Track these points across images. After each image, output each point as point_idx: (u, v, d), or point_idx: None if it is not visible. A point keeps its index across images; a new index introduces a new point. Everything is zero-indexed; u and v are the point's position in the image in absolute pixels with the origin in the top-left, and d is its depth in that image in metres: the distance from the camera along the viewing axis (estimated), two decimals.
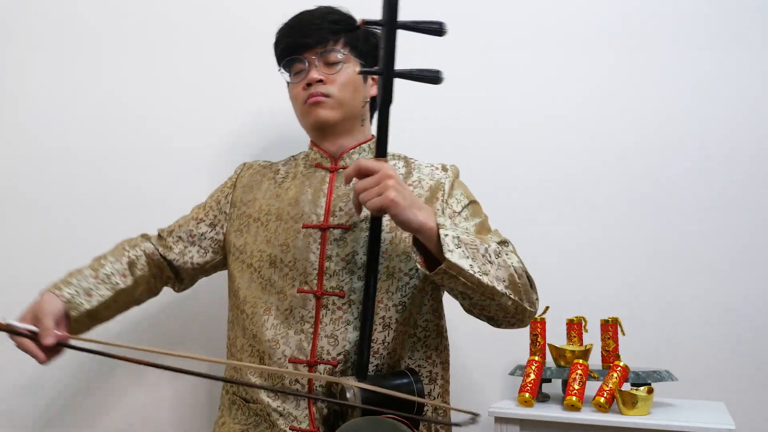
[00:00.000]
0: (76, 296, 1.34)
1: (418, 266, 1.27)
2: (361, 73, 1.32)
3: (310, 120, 1.46)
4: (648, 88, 1.86)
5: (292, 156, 1.58)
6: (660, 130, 1.85)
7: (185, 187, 1.85)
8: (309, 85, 1.43)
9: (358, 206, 1.27)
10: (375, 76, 1.48)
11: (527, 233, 1.85)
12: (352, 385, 1.24)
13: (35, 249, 1.85)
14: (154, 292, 1.54)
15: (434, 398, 1.42)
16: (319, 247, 1.39)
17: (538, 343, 1.58)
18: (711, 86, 1.84)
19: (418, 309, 1.41)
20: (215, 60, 1.92)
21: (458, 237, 1.24)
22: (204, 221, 1.53)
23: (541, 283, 1.79)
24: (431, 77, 1.29)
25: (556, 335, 1.60)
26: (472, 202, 1.47)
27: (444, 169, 1.49)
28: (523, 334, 1.60)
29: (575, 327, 1.60)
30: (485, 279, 1.25)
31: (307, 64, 1.44)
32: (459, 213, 1.43)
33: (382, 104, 1.29)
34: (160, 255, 1.52)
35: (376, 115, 1.48)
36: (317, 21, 1.45)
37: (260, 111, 1.89)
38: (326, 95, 1.43)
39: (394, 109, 1.83)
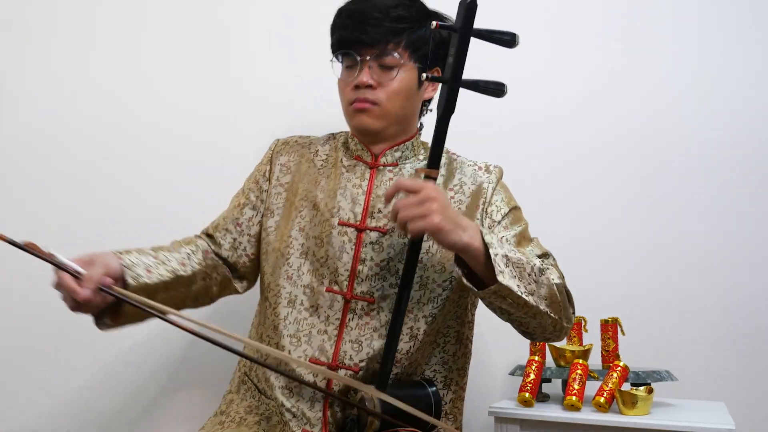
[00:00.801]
0: (135, 267, 1.26)
1: (467, 284, 1.22)
2: (427, 80, 1.22)
3: (353, 124, 1.39)
4: (648, 88, 1.86)
5: (332, 134, 1.49)
6: (660, 131, 1.84)
7: (184, 186, 1.85)
8: (358, 87, 1.35)
9: (400, 226, 1.19)
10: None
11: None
12: (373, 396, 1.21)
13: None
14: (209, 295, 1.44)
15: (446, 403, 1.39)
16: (353, 247, 1.33)
17: (538, 343, 1.58)
18: (711, 86, 1.84)
19: (444, 317, 1.37)
20: (214, 57, 1.92)
21: (506, 256, 1.20)
22: (247, 205, 1.45)
23: None
24: (496, 90, 1.23)
25: None
26: (513, 209, 1.40)
27: (487, 170, 1.42)
28: None
29: (575, 327, 1.60)
30: (530, 299, 1.22)
31: (359, 62, 1.34)
32: (499, 222, 1.37)
33: (443, 114, 1.22)
34: (214, 253, 1.43)
35: (424, 119, 1.46)
36: (379, 15, 1.32)
37: (260, 111, 1.89)
38: (374, 102, 1.34)
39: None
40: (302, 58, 1.86)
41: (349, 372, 1.29)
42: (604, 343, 1.57)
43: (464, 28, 1.19)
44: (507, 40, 1.22)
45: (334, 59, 1.39)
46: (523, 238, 1.38)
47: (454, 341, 1.40)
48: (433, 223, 1.15)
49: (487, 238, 1.20)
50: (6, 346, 1.81)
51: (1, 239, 1.09)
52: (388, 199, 1.24)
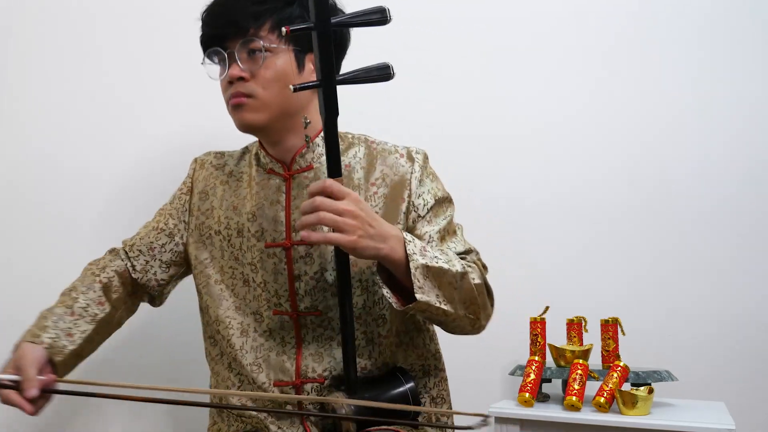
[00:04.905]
0: (57, 340, 1.25)
1: (387, 297, 1.21)
2: (296, 90, 1.11)
3: (236, 123, 1.31)
4: (649, 90, 1.86)
5: (246, 148, 1.45)
6: (661, 132, 1.84)
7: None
8: (231, 82, 1.28)
9: (308, 224, 1.14)
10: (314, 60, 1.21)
11: (528, 233, 1.86)
12: (342, 403, 1.21)
13: (36, 253, 1.85)
14: (132, 310, 1.45)
15: (431, 388, 1.39)
16: (285, 267, 1.31)
17: (538, 343, 1.58)
18: (711, 89, 1.83)
19: (401, 316, 1.35)
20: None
21: (426, 266, 1.19)
22: (164, 231, 1.42)
23: (541, 283, 1.81)
24: (381, 75, 1.11)
25: (556, 335, 1.60)
26: (438, 201, 1.35)
27: (410, 158, 1.35)
28: (523, 334, 1.60)
29: (575, 327, 1.60)
30: (449, 307, 1.23)
31: (227, 56, 1.28)
32: (423, 217, 1.33)
33: (326, 118, 1.12)
34: (128, 271, 1.42)
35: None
36: (238, 4, 1.26)
37: None
38: (248, 95, 1.27)
39: (393, 118, 1.86)
40: None
41: (315, 384, 1.29)
42: (604, 343, 1.57)
43: (319, 23, 1.08)
44: (377, 19, 1.10)
45: (206, 60, 1.33)
46: (447, 232, 1.35)
47: (417, 331, 1.39)
48: (351, 242, 1.13)
49: (409, 248, 1.19)
50: None
51: None
52: (311, 197, 1.16)
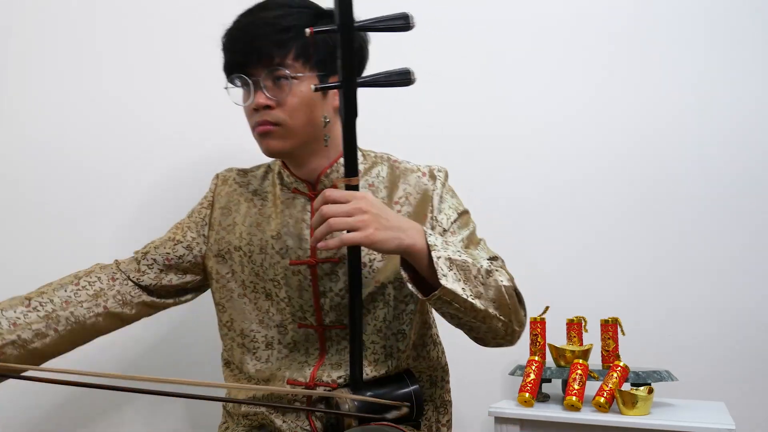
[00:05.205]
0: None
1: (411, 288, 1.20)
2: (317, 89, 1.13)
3: (263, 150, 1.32)
4: (648, 90, 1.86)
5: (268, 166, 1.46)
6: (661, 132, 1.84)
7: (184, 187, 1.85)
8: (256, 110, 1.29)
9: (321, 236, 1.15)
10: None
11: (529, 233, 1.86)
12: (346, 398, 1.22)
13: (34, 250, 1.85)
14: (121, 318, 1.39)
15: (437, 398, 1.43)
16: (310, 284, 1.32)
17: (538, 343, 1.58)
18: (712, 88, 1.84)
19: (416, 331, 1.37)
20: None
21: (450, 258, 1.18)
22: (181, 243, 1.42)
23: (541, 283, 1.81)
24: (401, 80, 1.13)
25: (556, 335, 1.60)
26: (460, 215, 1.38)
27: (432, 176, 1.38)
28: (524, 334, 1.60)
29: (575, 327, 1.60)
30: (478, 303, 1.20)
31: (252, 83, 1.28)
32: (447, 230, 1.35)
33: (346, 118, 1.14)
34: (131, 280, 1.39)
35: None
36: (261, 31, 1.26)
37: None
38: (275, 123, 1.28)
39: (393, 118, 1.86)
40: None
41: (328, 388, 1.30)
42: (604, 343, 1.57)
43: (343, 26, 1.09)
44: (400, 24, 1.11)
45: (229, 85, 1.33)
46: (470, 242, 1.36)
47: (432, 346, 1.42)
48: (368, 236, 1.13)
49: (431, 240, 1.18)
50: None
51: None
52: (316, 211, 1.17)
